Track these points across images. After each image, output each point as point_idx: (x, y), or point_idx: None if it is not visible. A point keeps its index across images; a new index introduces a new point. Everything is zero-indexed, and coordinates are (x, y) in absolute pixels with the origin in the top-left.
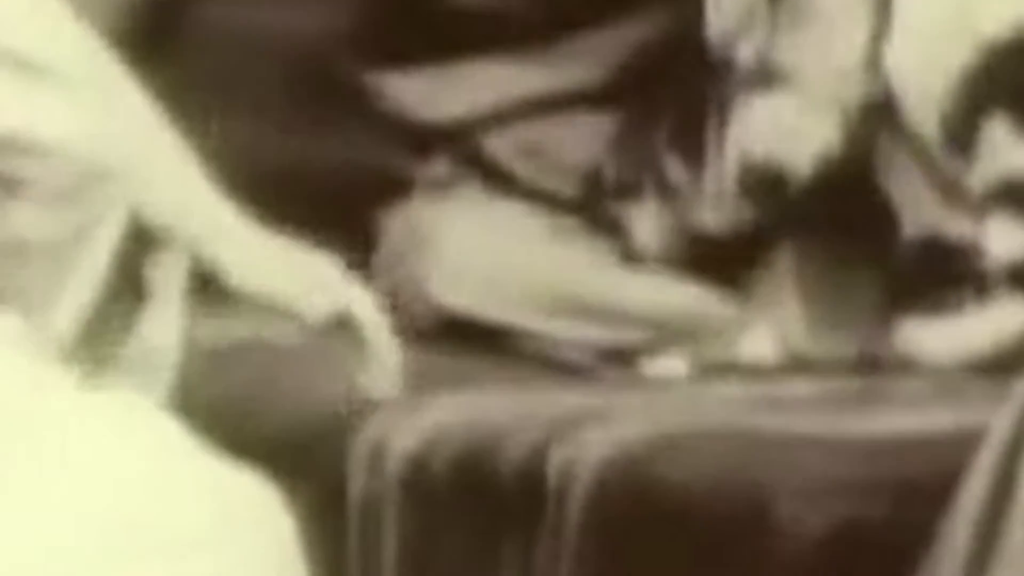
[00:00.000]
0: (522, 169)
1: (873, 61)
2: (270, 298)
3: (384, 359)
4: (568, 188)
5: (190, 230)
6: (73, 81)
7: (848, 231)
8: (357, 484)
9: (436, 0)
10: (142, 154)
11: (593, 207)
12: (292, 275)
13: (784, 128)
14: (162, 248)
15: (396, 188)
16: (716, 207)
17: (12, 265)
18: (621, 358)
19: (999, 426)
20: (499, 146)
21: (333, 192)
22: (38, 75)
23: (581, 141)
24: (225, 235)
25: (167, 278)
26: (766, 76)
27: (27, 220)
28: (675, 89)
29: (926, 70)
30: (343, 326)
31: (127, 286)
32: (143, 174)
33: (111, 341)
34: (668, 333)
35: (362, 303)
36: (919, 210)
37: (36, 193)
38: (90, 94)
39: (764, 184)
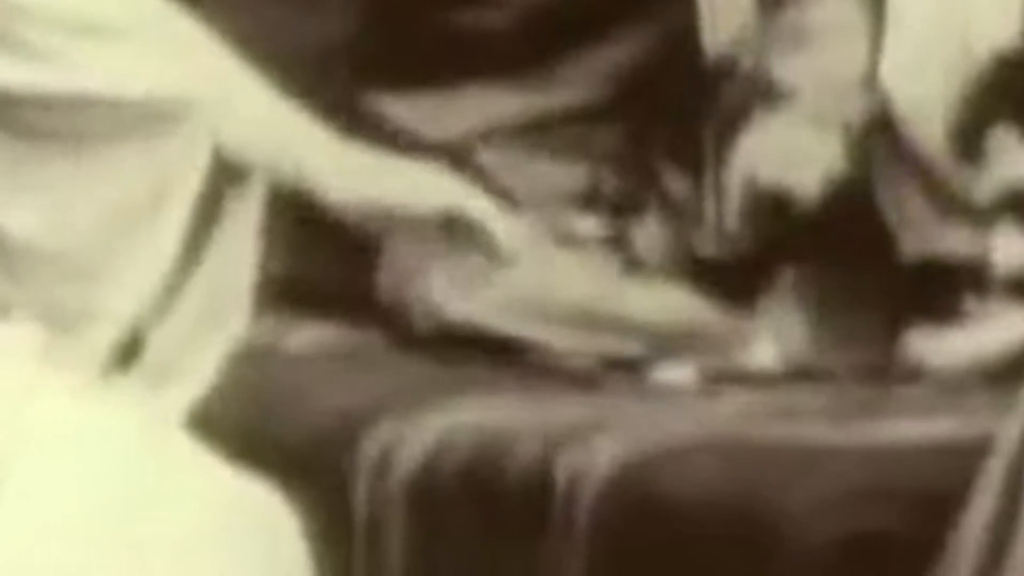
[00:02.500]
0: (520, 185)
1: (871, 76)
2: (375, 202)
3: (508, 248)
4: (568, 203)
5: (281, 150)
6: (145, 36)
7: (850, 248)
8: (363, 490)
9: (432, 23)
10: (221, 86)
11: (594, 221)
12: (395, 177)
13: (788, 149)
14: (241, 181)
15: None
16: (719, 232)
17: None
18: (627, 367)
19: (1007, 434)
20: (497, 163)
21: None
22: (111, 35)
23: (579, 157)
24: (318, 146)
25: (244, 210)
26: (766, 94)
27: (119, 169)
28: (671, 105)
29: (925, 82)
30: (451, 225)
31: (204, 221)
32: (226, 105)
33: (187, 275)
34: (672, 343)
35: (473, 194)
36: (918, 224)
37: (125, 144)
38: (163, 44)
39: (770, 208)
